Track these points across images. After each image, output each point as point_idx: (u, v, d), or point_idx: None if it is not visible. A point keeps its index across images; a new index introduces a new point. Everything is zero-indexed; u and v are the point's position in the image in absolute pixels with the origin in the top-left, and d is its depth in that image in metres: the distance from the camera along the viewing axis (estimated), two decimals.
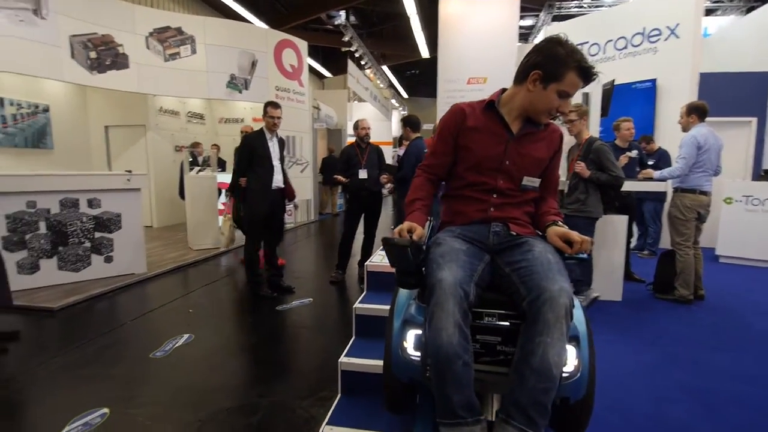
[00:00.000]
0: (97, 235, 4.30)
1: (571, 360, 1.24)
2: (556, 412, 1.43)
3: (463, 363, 1.16)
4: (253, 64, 8.00)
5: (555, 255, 1.35)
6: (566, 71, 1.36)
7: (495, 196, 1.48)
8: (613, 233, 3.83)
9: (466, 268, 1.29)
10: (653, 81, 6.11)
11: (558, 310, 1.16)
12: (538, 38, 8.86)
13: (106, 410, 2.16)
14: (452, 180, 1.58)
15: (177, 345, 2.94)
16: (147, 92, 7.19)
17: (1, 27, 5.35)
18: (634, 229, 5.35)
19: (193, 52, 7.39)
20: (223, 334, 3.24)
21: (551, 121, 1.52)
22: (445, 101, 6.39)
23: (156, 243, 6.29)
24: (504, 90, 1.53)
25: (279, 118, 3.91)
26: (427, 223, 1.57)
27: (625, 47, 6.49)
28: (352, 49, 11.96)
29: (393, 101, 18.55)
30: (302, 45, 9.03)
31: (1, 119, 6.07)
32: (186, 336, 3.08)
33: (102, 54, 6.43)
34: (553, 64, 1.36)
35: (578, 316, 1.30)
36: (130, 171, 4.46)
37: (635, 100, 6.28)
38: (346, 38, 11.23)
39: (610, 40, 6.66)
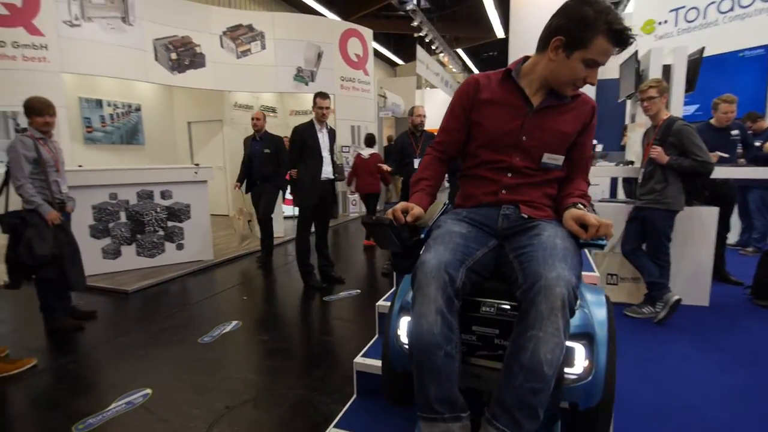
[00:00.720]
0: (170, 224, 4.65)
1: (580, 360, 1.11)
2: (569, 419, 1.28)
3: (445, 354, 1.07)
4: (319, 56, 8.13)
5: (567, 240, 1.19)
6: (594, 36, 1.16)
7: (510, 175, 1.34)
8: (700, 228, 3.29)
9: (457, 252, 1.18)
10: (766, 47, 5.16)
11: (552, 300, 1.02)
12: (626, 11, 7.89)
13: (148, 390, 2.30)
14: (466, 159, 1.45)
15: (224, 331, 3.07)
16: (222, 89, 7.63)
17: (95, 34, 5.97)
18: (734, 222, 4.59)
19: (263, 47, 7.68)
20: (267, 322, 3.33)
21: (580, 91, 1.33)
22: None
23: (228, 231, 6.70)
24: (526, 58, 1.35)
25: (328, 108, 3.89)
26: (443, 205, 1.47)
27: (731, 9, 5.55)
28: (422, 33, 11.68)
29: None
30: (367, 33, 8.99)
31: (100, 119, 6.82)
32: (234, 323, 3.21)
33: (181, 55, 6.92)
34: (578, 28, 1.17)
35: (597, 310, 1.17)
36: (197, 164, 4.76)
37: (743, 70, 5.37)
38: (416, 23, 10.99)
39: (713, 2, 5.73)
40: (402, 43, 15.13)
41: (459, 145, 1.44)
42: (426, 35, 11.78)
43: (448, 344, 1.08)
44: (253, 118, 4.91)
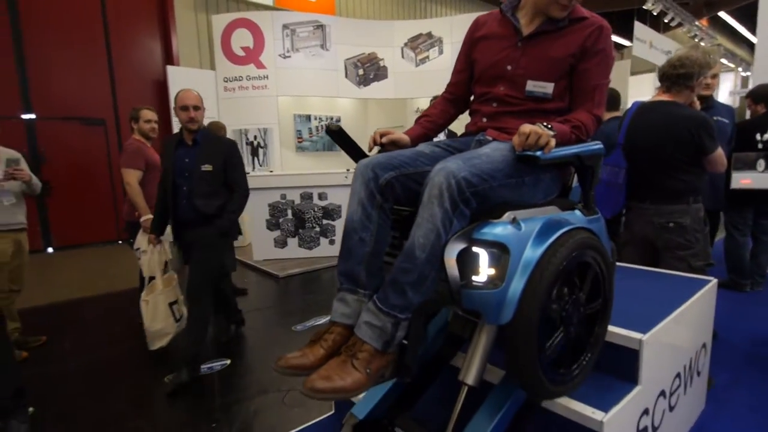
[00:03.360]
0: (325, 222, 5.35)
1: (484, 267, 1.11)
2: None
3: (359, 239, 1.20)
4: None
5: (499, 152, 1.20)
6: None
7: (494, 105, 1.40)
8: None
9: (395, 159, 1.25)
10: None
11: (431, 189, 1.09)
12: None
13: (227, 361, 2.80)
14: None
15: (316, 324, 3.40)
16: (402, 97, 8.17)
17: (301, 62, 7.30)
18: None
19: (440, 52, 7.85)
20: None
21: (588, 14, 1.33)
22: None
23: None
24: None
25: None
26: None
27: None
28: (648, 6, 9.70)
29: (725, 61, 13.90)
30: None
31: (308, 131, 8.30)
32: (328, 318, 3.51)
33: (367, 70, 7.74)
34: None
35: (532, 231, 1.15)
36: (348, 170, 5.30)
37: None
38: None
39: None
40: (631, 21, 12.86)
41: (465, 86, 1.54)
42: (653, 7, 9.73)
43: (364, 231, 1.20)
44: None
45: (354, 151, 1.42)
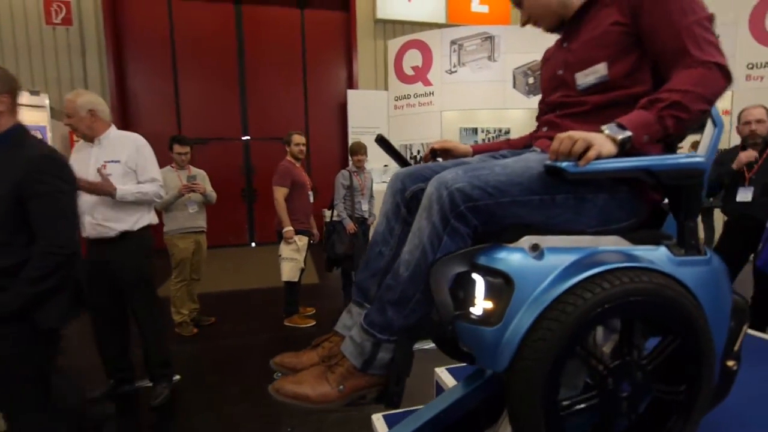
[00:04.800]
0: None
1: (480, 298, 0.93)
2: None
3: (379, 252, 1.16)
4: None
5: (523, 161, 1.01)
6: None
7: (555, 113, 1.21)
8: None
9: (428, 168, 1.16)
10: None
11: (423, 200, 0.98)
12: None
13: None
14: None
15: None
16: None
17: (466, 76, 7.26)
18: None
19: None
20: None
21: None
22: None
23: None
24: None
25: None
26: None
27: None
28: None
29: None
30: None
31: (474, 143, 8.17)
32: None
33: (537, 77, 7.16)
34: None
35: (555, 261, 0.90)
36: None
37: None
38: None
39: None
40: None
41: None
42: None
43: (384, 245, 1.16)
44: None
45: (400, 161, 1.36)
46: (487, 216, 0.93)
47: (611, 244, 0.97)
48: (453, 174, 0.93)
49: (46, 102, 5.64)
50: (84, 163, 2.47)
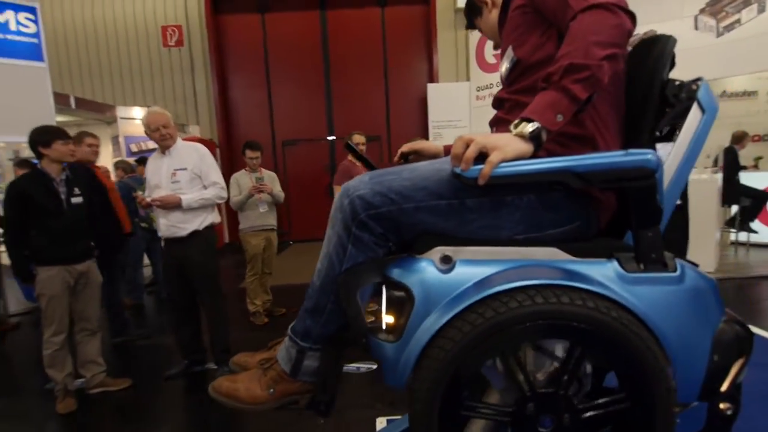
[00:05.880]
0: None
1: (384, 312, 0.92)
2: None
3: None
4: None
5: (441, 165, 0.93)
6: None
7: (498, 112, 1.17)
8: None
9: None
10: None
11: (331, 209, 0.98)
12: None
13: (373, 366, 3.03)
14: None
15: None
16: (692, 78, 6.25)
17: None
18: None
19: (761, 11, 5.56)
20: None
21: None
22: None
23: None
24: None
25: None
26: None
27: None
28: None
29: None
30: None
31: None
32: None
33: None
34: None
35: (479, 273, 0.83)
36: None
37: None
38: None
39: None
40: None
41: None
42: None
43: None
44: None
45: (368, 165, 1.36)
46: (392, 223, 0.89)
47: (545, 256, 0.85)
48: (358, 181, 0.91)
49: None
50: (157, 171, 2.84)
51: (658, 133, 0.99)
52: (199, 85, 7.57)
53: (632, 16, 0.85)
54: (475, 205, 0.88)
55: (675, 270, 0.82)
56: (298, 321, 1.02)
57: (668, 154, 0.91)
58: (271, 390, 1.00)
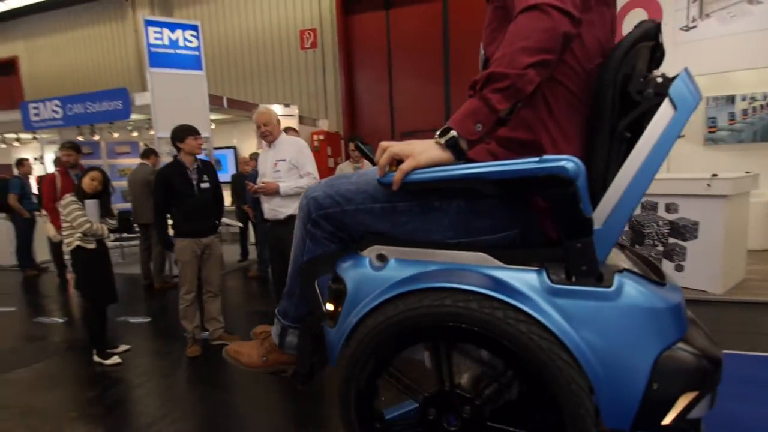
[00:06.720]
0: (671, 240, 4.17)
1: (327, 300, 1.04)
2: None
3: None
4: None
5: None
6: None
7: None
8: None
9: None
10: None
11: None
12: None
13: None
14: None
15: None
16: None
17: (713, 29, 5.64)
18: None
19: None
20: None
21: None
22: None
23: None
24: None
25: None
26: None
27: None
28: None
29: None
30: None
31: (728, 116, 6.29)
32: None
33: None
34: None
35: (405, 272, 0.90)
36: (715, 175, 3.86)
37: None
38: None
39: None
40: None
41: None
42: None
43: None
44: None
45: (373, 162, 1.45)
46: (338, 223, 0.98)
47: (473, 260, 0.86)
48: (317, 184, 1.03)
49: (296, 111, 7.37)
50: (264, 162, 3.30)
51: (628, 134, 0.88)
52: (329, 82, 8.27)
53: (571, 17, 0.76)
54: (406, 209, 0.92)
55: (610, 285, 0.76)
56: (281, 301, 1.17)
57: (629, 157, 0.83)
58: (265, 358, 1.18)
